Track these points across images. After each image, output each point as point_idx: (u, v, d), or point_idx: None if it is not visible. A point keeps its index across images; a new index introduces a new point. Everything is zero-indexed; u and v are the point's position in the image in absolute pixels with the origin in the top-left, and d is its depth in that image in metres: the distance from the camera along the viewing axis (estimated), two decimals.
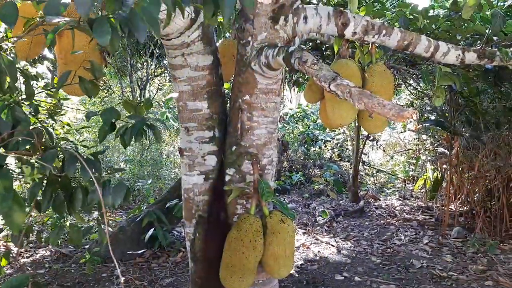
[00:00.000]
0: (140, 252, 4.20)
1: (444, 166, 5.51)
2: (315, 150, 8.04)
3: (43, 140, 1.09)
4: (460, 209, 5.55)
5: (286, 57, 1.71)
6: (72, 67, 1.45)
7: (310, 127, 8.30)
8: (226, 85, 2.26)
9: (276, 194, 6.62)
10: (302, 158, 7.98)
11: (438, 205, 6.05)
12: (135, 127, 1.23)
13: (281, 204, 2.11)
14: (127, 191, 1.17)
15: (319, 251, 4.61)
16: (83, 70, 1.47)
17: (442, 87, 2.10)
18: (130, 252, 4.16)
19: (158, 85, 9.06)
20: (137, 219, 4.29)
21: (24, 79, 1.29)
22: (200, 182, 2.15)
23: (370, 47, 2.17)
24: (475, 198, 5.11)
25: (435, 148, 6.02)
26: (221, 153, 2.15)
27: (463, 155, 4.81)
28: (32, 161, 0.96)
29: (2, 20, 0.83)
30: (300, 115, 8.56)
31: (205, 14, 1.16)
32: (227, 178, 2.12)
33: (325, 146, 8.28)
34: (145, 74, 7.83)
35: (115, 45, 0.92)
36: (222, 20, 2.12)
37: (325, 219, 5.76)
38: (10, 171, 0.86)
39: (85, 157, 1.10)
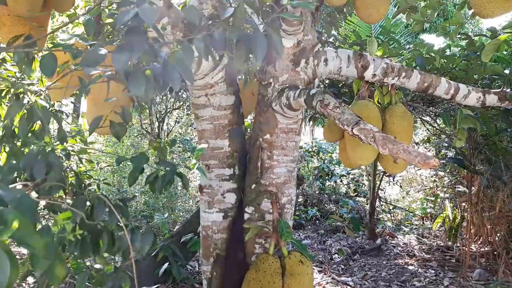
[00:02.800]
0: (154, 287, 4.15)
1: (464, 204, 5.39)
2: (330, 184, 7.96)
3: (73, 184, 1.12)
4: (481, 249, 5.37)
5: (307, 100, 1.74)
6: (101, 108, 1.51)
7: (326, 161, 8.26)
8: (246, 123, 2.30)
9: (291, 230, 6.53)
10: (317, 192, 7.90)
11: (458, 245, 5.87)
12: (166, 177, 1.26)
13: (300, 245, 2.09)
14: (154, 238, 1.18)
15: None
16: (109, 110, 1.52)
17: (463, 128, 2.10)
18: (144, 287, 4.11)
19: (176, 118, 9.22)
20: (152, 253, 4.26)
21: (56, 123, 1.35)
22: (219, 220, 2.15)
23: (389, 88, 2.19)
24: (497, 239, 4.95)
25: (454, 186, 5.91)
26: (241, 191, 2.16)
27: (483, 194, 4.71)
28: (63, 206, 0.98)
29: (42, 72, 0.88)
30: (315, 149, 8.55)
31: (237, 60, 1.20)
32: (246, 216, 2.11)
33: (341, 181, 8.20)
34: (164, 107, 8.00)
35: (149, 96, 0.96)
36: (250, 69, 2.18)
37: (342, 257, 5.63)
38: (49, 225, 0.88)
39: (113, 202, 1.13)
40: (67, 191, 1.09)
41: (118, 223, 1.06)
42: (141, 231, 1.16)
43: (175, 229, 5.27)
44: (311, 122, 5.97)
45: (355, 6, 1.98)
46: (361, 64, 1.98)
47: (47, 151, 1.12)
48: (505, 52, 3.09)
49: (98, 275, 1.17)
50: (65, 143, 1.34)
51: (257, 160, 2.08)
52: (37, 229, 0.78)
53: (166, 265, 4.17)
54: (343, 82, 3.81)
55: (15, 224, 0.60)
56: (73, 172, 1.37)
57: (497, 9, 1.43)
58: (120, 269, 1.17)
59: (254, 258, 2.10)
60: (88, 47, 1.12)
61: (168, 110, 7.90)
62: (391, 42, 3.44)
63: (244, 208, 2.13)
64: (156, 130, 7.76)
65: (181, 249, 4.28)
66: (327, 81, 3.78)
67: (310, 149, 8.58)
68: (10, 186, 0.91)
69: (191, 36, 1.00)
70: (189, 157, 7.58)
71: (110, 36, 1.92)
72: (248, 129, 3.05)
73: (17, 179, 1.17)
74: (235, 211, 2.15)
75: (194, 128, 9.96)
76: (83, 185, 1.33)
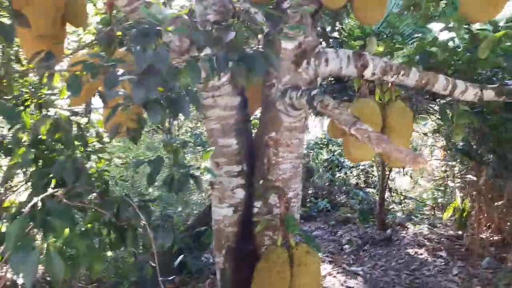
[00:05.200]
0: (170, 278, 4.33)
1: (473, 194, 5.42)
2: (340, 176, 8.04)
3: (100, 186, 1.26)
4: (490, 238, 5.41)
5: (309, 100, 1.85)
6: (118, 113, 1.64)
7: (335, 153, 8.34)
8: (253, 121, 2.42)
9: (301, 221, 6.64)
10: (327, 184, 7.99)
11: (467, 234, 5.91)
12: (182, 180, 1.39)
13: (306, 236, 2.21)
14: (175, 235, 1.31)
15: (345, 281, 4.60)
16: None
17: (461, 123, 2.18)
18: (161, 278, 4.29)
19: None
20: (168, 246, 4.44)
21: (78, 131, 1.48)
22: (230, 214, 2.28)
23: (389, 86, 2.28)
24: (506, 227, 4.99)
25: (464, 176, 5.93)
26: (249, 186, 2.29)
27: (492, 183, 4.75)
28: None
29: (69, 91, 1.01)
30: (324, 141, 8.62)
31: (237, 77, 1.32)
32: (255, 210, 2.24)
33: (351, 172, 8.27)
34: None
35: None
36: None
37: (352, 248, 5.73)
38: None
39: (136, 203, 1.26)
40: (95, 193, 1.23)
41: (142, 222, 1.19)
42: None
43: (189, 222, 5.43)
44: (319, 116, 6.04)
45: (353, 7, 2.07)
46: (360, 63, 2.08)
47: (74, 158, 1.26)
48: (508, 44, 3.13)
49: (125, 265, 1.31)
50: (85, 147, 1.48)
51: (264, 157, 2.19)
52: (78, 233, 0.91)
53: (181, 257, 4.34)
54: (348, 77, 3.89)
55: (66, 231, 0.72)
56: (97, 174, 1.51)
57: (483, 11, 1.51)
58: (143, 262, 1.31)
59: (264, 250, 2.23)
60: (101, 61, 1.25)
61: None
62: (395, 37, 3.50)
63: (252, 202, 2.25)
64: (167, 125, 7.89)
65: (195, 241, 4.44)
66: (332, 78, 3.86)
67: (319, 142, 8.65)
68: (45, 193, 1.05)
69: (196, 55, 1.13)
70: (200, 151, 7.72)
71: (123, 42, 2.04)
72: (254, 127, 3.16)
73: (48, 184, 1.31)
74: (244, 206, 2.28)
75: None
76: (105, 186, 1.46)
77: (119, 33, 1.65)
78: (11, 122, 1.18)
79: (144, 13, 1.03)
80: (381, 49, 2.69)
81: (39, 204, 0.97)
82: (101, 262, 0.94)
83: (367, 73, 2.10)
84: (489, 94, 2.19)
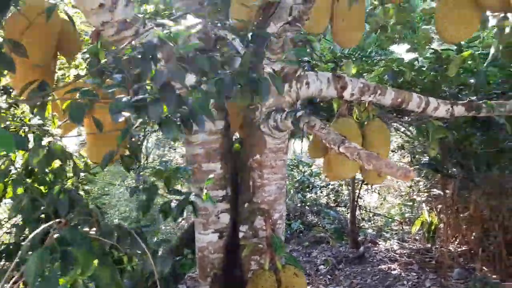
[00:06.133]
0: None
1: (439, 207, 5.63)
2: (311, 196, 8.11)
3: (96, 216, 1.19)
4: (458, 249, 5.61)
5: (294, 122, 1.87)
6: (102, 141, 1.58)
7: (305, 173, 8.43)
8: (236, 146, 2.41)
9: None
10: (299, 205, 8.03)
11: (436, 246, 6.10)
12: (180, 206, 1.35)
13: (292, 258, 2.19)
14: (172, 261, 1.26)
15: None
16: (111, 142, 1.60)
17: (435, 138, 2.28)
18: None
19: (156, 140, 9.21)
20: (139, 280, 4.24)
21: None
22: (215, 240, 2.22)
23: (367, 105, 2.36)
24: (473, 238, 5.19)
25: (430, 190, 6.16)
26: (233, 210, 2.25)
27: (457, 196, 4.96)
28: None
29: (71, 119, 0.97)
30: (295, 163, 8.72)
31: (242, 100, 1.33)
32: (241, 234, 2.20)
33: (321, 192, 8.36)
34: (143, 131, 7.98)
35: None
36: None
37: (327, 268, 5.74)
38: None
39: (131, 229, 1.21)
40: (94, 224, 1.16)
41: (139, 250, 1.13)
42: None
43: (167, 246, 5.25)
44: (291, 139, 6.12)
45: (332, 31, 2.15)
46: (340, 85, 2.14)
47: (67, 189, 1.19)
48: (469, 62, 3.34)
49: None
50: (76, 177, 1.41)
51: (249, 179, 2.18)
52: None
53: None
54: (320, 100, 3.99)
55: (93, 262, 0.67)
56: (91, 203, 1.44)
57: (460, 34, 1.61)
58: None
59: (251, 274, 2.18)
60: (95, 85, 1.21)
61: (147, 132, 7.89)
62: (364, 59, 3.65)
63: (238, 227, 2.22)
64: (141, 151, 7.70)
65: (169, 272, 4.28)
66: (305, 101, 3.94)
67: (289, 163, 8.73)
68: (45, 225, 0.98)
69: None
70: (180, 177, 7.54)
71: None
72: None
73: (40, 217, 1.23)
74: (229, 230, 2.23)
75: (174, 150, 9.94)
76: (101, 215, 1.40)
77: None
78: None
79: (156, 34, 1.02)
80: (354, 70, 2.80)
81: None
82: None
83: (346, 94, 2.17)
84: (459, 110, 2.31)
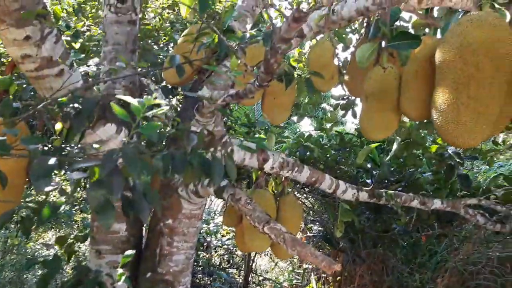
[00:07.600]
0: None
1: (326, 277, 5.86)
2: (205, 256, 7.83)
3: None
4: None
5: (217, 191, 1.80)
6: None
7: (201, 231, 8.17)
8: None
9: None
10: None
11: None
12: (89, 284, 1.14)
13: None
14: None
15: None
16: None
17: (342, 221, 2.41)
18: None
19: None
20: None
21: None
22: None
23: (283, 180, 2.42)
24: None
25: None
26: (133, 279, 2.02)
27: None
28: None
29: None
30: None
31: (189, 179, 1.24)
32: None
33: (216, 252, 8.14)
34: None
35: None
36: None
37: None
38: None
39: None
40: None
41: None
42: None
43: None
44: None
45: (262, 106, 2.21)
46: (262, 157, 2.16)
47: None
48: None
49: None
50: None
51: (156, 246, 2.00)
52: None
53: None
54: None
55: None
56: None
57: (380, 134, 1.79)
58: None
59: None
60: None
61: None
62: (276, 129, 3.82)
63: None
64: None
65: None
66: None
67: None
68: None
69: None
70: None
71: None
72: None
73: None
74: None
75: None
76: None
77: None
78: None
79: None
80: (271, 143, 2.88)
81: None
82: None
83: (267, 166, 2.19)
84: (363, 195, 2.49)
